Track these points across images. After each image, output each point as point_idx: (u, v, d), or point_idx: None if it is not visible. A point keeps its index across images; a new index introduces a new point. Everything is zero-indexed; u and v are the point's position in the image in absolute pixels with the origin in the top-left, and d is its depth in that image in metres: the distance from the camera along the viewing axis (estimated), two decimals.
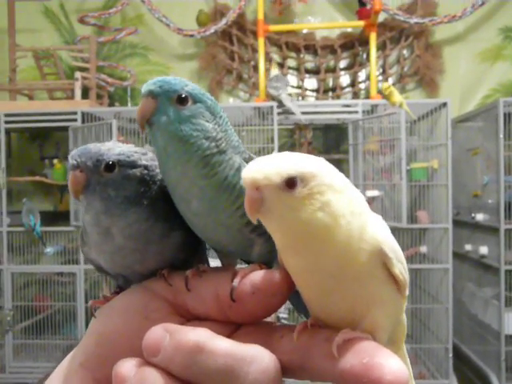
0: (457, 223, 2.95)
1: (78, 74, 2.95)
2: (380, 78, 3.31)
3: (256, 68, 3.26)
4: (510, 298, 2.68)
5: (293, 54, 3.41)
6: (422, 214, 2.81)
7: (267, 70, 3.19)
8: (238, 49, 3.36)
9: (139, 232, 0.48)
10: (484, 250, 2.75)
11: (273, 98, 3.21)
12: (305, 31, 3.38)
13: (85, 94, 3.06)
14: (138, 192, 0.48)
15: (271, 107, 2.83)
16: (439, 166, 2.74)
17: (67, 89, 3.09)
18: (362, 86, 3.39)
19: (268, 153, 2.44)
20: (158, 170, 0.50)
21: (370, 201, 2.75)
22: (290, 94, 2.85)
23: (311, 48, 3.37)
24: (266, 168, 0.38)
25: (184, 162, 0.46)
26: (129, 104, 3.34)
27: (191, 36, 3.18)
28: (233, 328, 0.44)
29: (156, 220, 0.49)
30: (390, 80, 3.34)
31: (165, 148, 0.47)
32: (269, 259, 0.49)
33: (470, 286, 2.97)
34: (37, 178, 3.03)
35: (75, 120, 2.81)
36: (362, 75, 3.39)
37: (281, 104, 2.81)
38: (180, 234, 0.51)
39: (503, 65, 3.30)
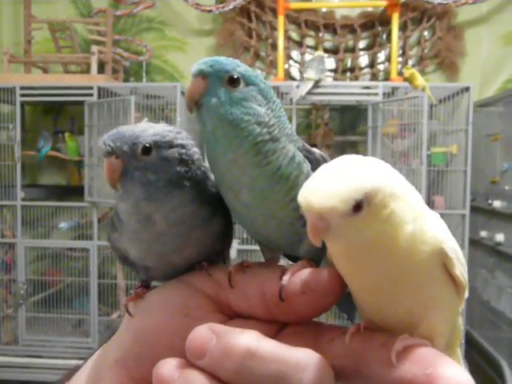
0: (473, 209, 2.91)
1: (94, 48, 2.91)
2: (400, 59, 3.25)
3: (274, 46, 3.20)
4: None
5: (311, 33, 3.34)
6: (438, 200, 2.78)
7: (285, 48, 3.14)
8: (256, 26, 3.30)
9: (184, 216, 0.46)
10: (500, 237, 2.73)
11: (290, 77, 3.17)
12: (324, 10, 3.31)
13: (100, 68, 3.02)
14: (179, 173, 0.45)
15: (291, 86, 2.78)
16: (458, 152, 2.70)
17: (82, 62, 3.05)
18: (381, 67, 3.32)
19: None
20: (194, 149, 0.48)
21: None
22: (319, 80, 2.76)
23: (330, 27, 3.30)
24: (331, 195, 0.35)
25: (234, 149, 0.44)
26: (144, 79, 3.30)
27: (209, 11, 3.13)
28: (278, 327, 0.42)
29: (201, 203, 0.47)
30: (410, 62, 3.27)
31: (213, 132, 0.44)
32: (317, 256, 0.47)
33: (483, 272, 2.96)
34: (50, 152, 3.01)
35: (91, 95, 2.77)
36: (381, 56, 3.32)
37: (315, 86, 2.75)
38: (221, 221, 0.49)
39: None
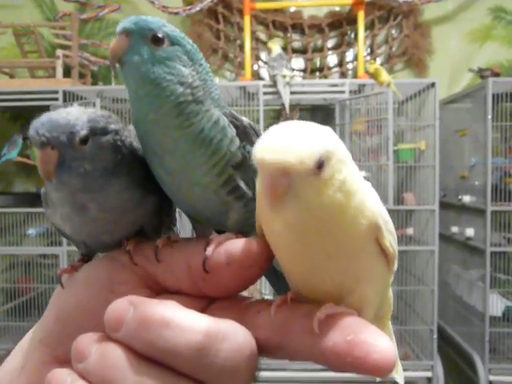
0: (444, 205, 2.93)
1: (59, 52, 2.88)
2: (368, 58, 3.26)
3: (242, 47, 3.20)
4: (495, 280, 2.68)
5: (280, 33, 3.34)
6: (408, 196, 2.79)
7: (253, 49, 3.14)
8: (223, 27, 3.29)
9: (118, 203, 0.44)
10: (470, 231, 2.74)
11: (260, 78, 3.17)
12: (292, 10, 3.32)
13: (67, 72, 2.99)
14: (115, 160, 0.44)
15: (257, 86, 2.77)
16: (427, 148, 2.72)
17: (49, 67, 3.01)
18: (350, 66, 3.33)
19: None
20: (126, 133, 0.46)
21: None
22: (284, 76, 2.77)
23: (298, 27, 3.31)
24: (297, 149, 0.33)
25: (156, 108, 0.43)
26: (112, 83, 3.27)
27: (176, 14, 3.11)
28: (206, 302, 0.41)
29: (135, 188, 0.45)
30: (379, 60, 3.29)
31: (136, 91, 0.43)
32: (246, 229, 0.46)
33: (455, 268, 2.97)
34: (18, 158, 2.97)
35: (56, 99, 2.74)
36: (349, 55, 3.34)
37: (274, 84, 2.76)
38: (154, 199, 0.47)
39: (492, 45, 3.26)
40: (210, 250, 0.40)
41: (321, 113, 3.25)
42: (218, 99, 0.47)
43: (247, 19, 3.00)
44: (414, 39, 3.23)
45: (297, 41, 3.35)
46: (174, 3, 3.18)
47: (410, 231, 2.82)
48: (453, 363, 2.84)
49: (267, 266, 0.40)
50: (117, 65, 0.44)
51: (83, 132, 0.42)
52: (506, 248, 2.64)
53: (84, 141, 0.42)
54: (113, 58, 0.44)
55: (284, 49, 3.33)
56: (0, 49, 3.21)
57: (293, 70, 3.30)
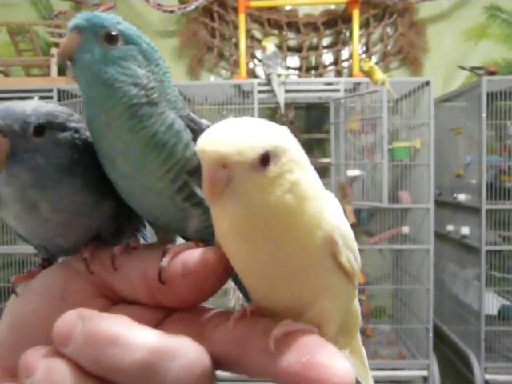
0: (439, 203, 2.93)
1: (53, 50, 2.86)
2: (363, 56, 3.26)
3: (237, 45, 3.19)
4: (491, 279, 2.67)
5: (275, 32, 3.33)
6: (403, 195, 2.79)
7: (248, 48, 3.13)
8: (219, 26, 3.28)
9: (70, 205, 0.43)
10: (465, 230, 2.73)
11: (255, 76, 3.16)
12: (287, 8, 3.31)
13: (63, 70, 2.98)
14: (71, 159, 0.42)
15: (252, 85, 2.77)
16: (422, 146, 2.71)
17: (43, 65, 3.00)
18: (346, 64, 3.33)
19: None
20: (87, 133, 0.44)
21: (352, 180, 2.72)
22: (279, 75, 2.77)
23: (294, 25, 3.30)
24: (238, 141, 0.31)
25: (107, 110, 0.41)
26: None
27: (171, 12, 3.10)
28: (164, 313, 0.39)
29: (90, 190, 0.44)
30: (374, 58, 3.29)
31: (87, 92, 0.41)
32: (207, 237, 0.44)
33: (451, 266, 2.97)
34: None
35: (51, 97, 2.73)
36: (345, 53, 3.33)
37: (269, 83, 2.75)
38: (110, 203, 0.46)
39: (487, 43, 3.25)
40: (165, 260, 0.38)
41: (316, 111, 3.25)
42: (176, 101, 0.45)
43: (242, 17, 3.00)
44: (409, 37, 3.22)
45: (292, 39, 3.34)
46: (169, 1, 3.17)
47: (405, 230, 2.82)
48: (449, 362, 2.83)
49: (225, 276, 0.38)
50: (68, 63, 0.42)
51: (38, 123, 0.40)
52: (501, 246, 2.64)
53: (38, 132, 0.41)
54: (62, 56, 0.42)
55: (279, 47, 3.33)
56: None
57: (288, 68, 3.30)
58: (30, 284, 0.42)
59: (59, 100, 2.74)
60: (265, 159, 0.32)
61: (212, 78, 3.40)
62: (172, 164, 0.43)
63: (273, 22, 3.29)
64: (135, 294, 0.39)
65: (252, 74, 3.30)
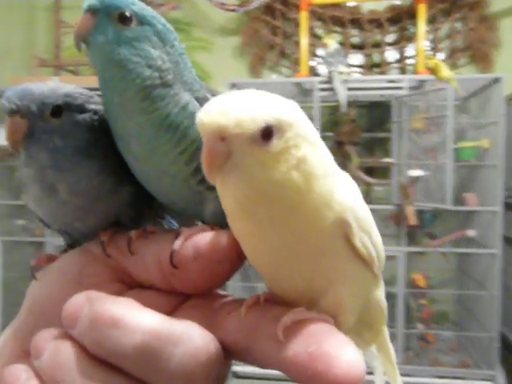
0: (509, 206, 2.79)
1: None
2: (430, 53, 3.15)
3: (299, 43, 3.16)
4: None
5: (338, 29, 3.28)
6: (470, 196, 2.67)
7: (310, 45, 3.10)
8: (281, 23, 3.27)
9: (88, 188, 0.42)
10: None
11: (316, 74, 3.13)
12: (350, 4, 3.25)
13: None
14: (89, 142, 0.42)
15: (313, 83, 2.73)
16: (490, 146, 2.59)
17: None
18: (410, 61, 3.23)
19: None
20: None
21: (414, 181, 2.64)
22: (341, 73, 2.72)
23: (357, 22, 3.24)
24: (237, 112, 0.30)
25: (121, 92, 0.40)
26: None
27: (233, 11, 3.12)
28: (179, 299, 0.38)
29: (108, 174, 0.43)
30: (441, 55, 3.17)
31: (102, 73, 0.41)
32: (224, 221, 0.43)
33: None
34: None
35: None
36: (410, 50, 3.23)
37: (330, 80, 2.71)
38: (129, 189, 0.45)
39: None
40: (177, 243, 0.37)
41: (379, 109, 3.17)
42: (192, 83, 0.44)
43: (304, 15, 2.97)
44: (479, 33, 3.09)
45: (355, 36, 3.28)
46: (232, 0, 3.18)
47: (470, 233, 2.70)
48: None
49: (239, 261, 0.36)
50: (83, 45, 0.42)
51: (56, 104, 0.40)
52: None
53: (56, 113, 0.40)
54: (77, 37, 0.41)
55: (342, 44, 3.27)
56: (66, 48, 3.32)
57: (350, 66, 3.24)
58: (48, 268, 0.42)
59: None
60: (267, 133, 0.30)
61: (273, 76, 3.39)
62: (186, 146, 0.42)
63: (335, 18, 3.24)
64: (150, 278, 0.39)
65: (313, 71, 3.26)
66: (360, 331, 0.41)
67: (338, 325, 0.33)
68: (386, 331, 0.43)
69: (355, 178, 3.03)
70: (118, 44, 0.40)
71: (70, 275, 0.40)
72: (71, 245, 0.48)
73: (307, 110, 2.80)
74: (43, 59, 3.10)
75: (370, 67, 3.26)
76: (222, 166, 0.30)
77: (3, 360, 0.39)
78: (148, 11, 0.42)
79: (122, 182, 0.45)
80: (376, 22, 3.22)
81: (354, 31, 3.28)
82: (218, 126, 0.29)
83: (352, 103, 3.02)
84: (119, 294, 0.38)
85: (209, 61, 3.40)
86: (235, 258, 0.36)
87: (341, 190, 0.34)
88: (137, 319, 0.32)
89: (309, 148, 0.32)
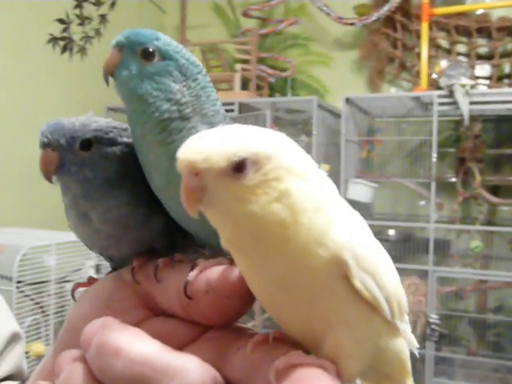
0: None
1: (238, 66, 3.05)
2: None
3: (420, 55, 3.05)
4: None
5: (463, 39, 3.11)
6: None
7: (432, 57, 2.97)
8: (401, 36, 3.17)
9: (118, 217, 0.44)
10: None
11: (439, 87, 2.99)
12: (478, 12, 3.07)
13: (245, 85, 3.15)
14: (119, 173, 0.44)
15: (432, 96, 2.62)
16: None
17: (229, 80, 3.21)
18: None
19: (427, 147, 2.24)
20: None
21: None
22: (463, 85, 2.59)
23: (485, 31, 3.04)
24: (207, 147, 0.30)
25: (142, 124, 0.42)
26: (289, 95, 3.36)
27: (351, 24, 3.09)
28: (200, 330, 0.38)
29: (137, 205, 0.45)
30: None
31: (127, 106, 0.43)
32: None
33: None
34: None
35: (232, 110, 2.90)
36: None
37: (451, 94, 2.58)
38: (161, 218, 0.46)
39: None
40: (192, 274, 0.37)
41: (508, 124, 2.95)
42: (213, 115, 0.44)
43: (425, 26, 2.86)
44: None
45: (482, 46, 3.09)
46: (349, 14, 3.15)
47: None
48: None
49: (249, 297, 0.36)
50: (111, 79, 0.44)
51: (85, 138, 0.42)
52: None
53: (85, 146, 0.42)
54: (104, 71, 0.44)
55: (467, 55, 3.11)
56: None
57: (476, 77, 3.06)
58: (86, 290, 0.45)
59: (240, 113, 2.90)
60: (240, 166, 0.30)
61: (393, 89, 3.30)
62: None
63: (461, 28, 3.08)
64: (172, 307, 0.39)
65: (436, 84, 3.12)
66: (379, 382, 0.39)
67: (340, 371, 0.32)
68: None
69: (478, 196, 2.85)
70: (140, 79, 0.42)
71: (101, 299, 0.42)
72: (115, 268, 0.50)
73: (426, 124, 2.69)
74: None
75: (499, 78, 3.05)
76: (200, 200, 0.31)
77: (42, 375, 0.42)
78: (172, 46, 0.43)
79: (154, 212, 0.46)
80: (507, 30, 3.00)
81: (482, 40, 3.09)
82: (188, 161, 0.30)
83: (476, 117, 2.85)
84: (144, 319, 0.39)
85: (327, 75, 3.40)
86: (245, 294, 0.35)
87: (338, 226, 0.32)
88: (138, 350, 0.32)
89: (294, 181, 0.31)
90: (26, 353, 2.18)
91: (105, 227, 0.44)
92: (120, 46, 0.43)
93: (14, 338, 0.64)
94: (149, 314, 0.40)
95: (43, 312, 2.49)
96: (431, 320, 2.54)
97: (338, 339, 0.32)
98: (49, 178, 0.43)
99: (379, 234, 3.02)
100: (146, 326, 0.37)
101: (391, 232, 2.99)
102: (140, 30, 0.43)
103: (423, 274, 2.66)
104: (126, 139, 0.45)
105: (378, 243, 0.36)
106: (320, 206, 0.31)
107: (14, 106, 2.65)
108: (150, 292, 0.41)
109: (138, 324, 0.38)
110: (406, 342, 0.38)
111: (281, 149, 0.31)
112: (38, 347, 2.24)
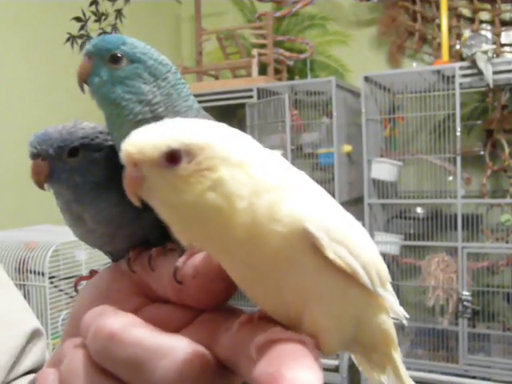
0: None
1: (254, 51, 3.03)
2: None
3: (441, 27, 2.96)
4: None
5: (486, 6, 3.01)
6: None
7: (454, 28, 2.88)
8: (420, 7, 3.09)
9: (110, 217, 0.46)
10: None
11: (462, 59, 2.91)
12: None
13: (263, 70, 3.13)
14: (107, 176, 0.45)
15: (454, 69, 2.54)
16: None
17: (247, 66, 3.19)
18: None
19: (452, 121, 2.18)
20: None
21: None
22: (485, 52, 2.51)
23: None
24: (142, 139, 0.32)
25: (118, 127, 0.43)
26: (308, 76, 3.32)
27: (368, 0, 3.02)
28: (194, 313, 0.40)
29: (127, 204, 0.45)
30: None
31: (102, 111, 0.45)
32: None
33: None
34: None
35: (251, 97, 2.90)
36: None
37: (473, 65, 2.51)
38: (151, 214, 0.47)
39: None
40: (180, 260, 0.39)
41: None
42: (186, 111, 0.45)
43: None
44: None
45: (507, 11, 2.97)
46: None
47: None
48: None
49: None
50: (85, 86, 0.46)
51: (72, 146, 0.44)
52: None
53: (73, 154, 0.44)
54: (78, 80, 0.45)
55: (491, 23, 3.00)
56: (207, 53, 3.49)
57: (502, 45, 2.96)
58: (88, 282, 0.48)
59: (259, 98, 2.89)
60: (173, 157, 0.31)
61: (414, 64, 3.22)
62: None
63: None
64: (166, 293, 0.41)
65: (459, 56, 3.03)
66: (367, 354, 0.39)
67: (320, 345, 0.32)
68: (397, 356, 0.39)
69: (507, 169, 2.76)
70: (112, 83, 0.43)
71: (100, 289, 0.44)
72: (114, 261, 0.52)
73: (450, 98, 2.62)
74: (186, 67, 3.30)
75: None
76: (140, 189, 0.33)
77: (50, 363, 0.44)
78: (138, 48, 0.44)
79: (144, 209, 0.47)
80: None
81: (506, 6, 2.98)
82: (126, 153, 0.32)
83: (503, 87, 2.76)
84: (141, 306, 0.41)
85: (346, 54, 3.35)
86: (228, 277, 0.36)
87: (292, 202, 0.32)
88: (130, 333, 0.34)
89: (229, 169, 0.31)
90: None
91: (98, 227, 0.46)
92: (89, 54, 0.45)
93: (35, 335, 0.67)
94: (145, 302, 0.42)
95: None
96: (463, 297, 2.50)
97: (313, 315, 0.33)
98: (41, 187, 0.45)
99: (406, 212, 2.97)
100: (142, 313, 0.40)
101: (419, 210, 2.95)
102: (107, 37, 0.45)
103: (453, 251, 2.61)
104: (111, 143, 0.46)
105: (349, 216, 0.36)
106: (259, 189, 0.32)
107: (38, 106, 2.70)
108: (145, 280, 0.43)
109: (135, 311, 0.39)
110: (388, 312, 0.38)
111: (216, 139, 0.32)
112: None
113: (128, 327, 0.35)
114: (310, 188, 0.35)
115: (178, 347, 0.34)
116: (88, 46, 0.45)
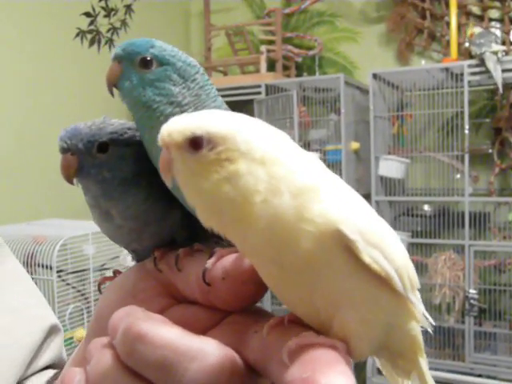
0: None
1: (262, 48, 3.03)
2: None
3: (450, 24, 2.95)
4: None
5: (496, 3, 2.99)
6: None
7: (463, 26, 2.87)
8: (429, 5, 3.08)
9: (138, 213, 0.46)
10: None
11: (471, 57, 2.90)
12: None
13: (271, 66, 3.13)
14: (135, 172, 0.46)
15: (462, 67, 2.54)
16: None
17: (255, 63, 3.20)
18: None
19: (461, 119, 2.17)
20: None
21: None
22: (495, 53, 2.50)
23: None
24: (173, 125, 0.34)
25: (150, 129, 0.44)
26: (317, 73, 3.32)
27: None
28: (221, 315, 0.40)
29: (155, 201, 0.47)
30: None
31: (133, 114, 0.45)
32: None
33: None
34: None
35: (259, 93, 2.90)
36: None
37: (482, 63, 2.50)
38: (180, 212, 0.47)
39: None
40: (210, 262, 0.39)
41: None
42: None
43: None
44: None
45: None
46: None
47: None
48: None
49: (263, 282, 0.36)
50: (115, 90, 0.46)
51: (101, 141, 0.44)
52: None
53: (103, 149, 0.44)
54: (107, 85, 0.46)
55: (500, 20, 2.99)
56: (215, 49, 3.49)
57: (511, 43, 2.94)
58: (112, 282, 0.47)
59: (267, 95, 2.89)
60: (196, 143, 0.33)
61: (423, 62, 3.21)
62: None
63: None
64: (193, 294, 0.41)
65: (468, 53, 3.02)
66: (393, 359, 0.39)
67: (351, 351, 0.32)
68: (423, 363, 0.39)
69: None
70: (142, 87, 0.44)
71: (126, 289, 0.44)
72: (138, 261, 0.51)
73: (458, 96, 2.61)
74: None
75: None
76: (170, 170, 0.34)
77: (75, 362, 0.44)
78: (167, 51, 0.45)
79: (172, 206, 0.47)
80: None
81: None
82: (160, 136, 0.34)
83: (510, 85, 2.75)
84: (168, 307, 0.41)
85: (355, 51, 3.34)
86: (258, 279, 0.36)
87: (322, 203, 0.32)
88: (160, 335, 0.34)
89: (247, 164, 0.32)
90: (70, 338, 2.26)
91: (126, 223, 0.47)
92: (119, 59, 0.45)
93: (52, 330, 0.67)
94: (171, 302, 0.42)
95: (85, 299, 2.57)
96: (470, 295, 2.50)
97: (344, 320, 0.32)
98: (70, 181, 0.46)
99: (414, 209, 2.97)
100: (169, 313, 0.39)
101: (426, 207, 2.94)
102: (135, 41, 0.45)
103: (460, 249, 2.61)
104: (139, 139, 0.46)
105: (380, 218, 0.36)
106: (279, 189, 0.32)
107: (48, 101, 2.72)
108: (171, 280, 0.43)
109: (161, 311, 0.39)
110: (417, 319, 0.37)
111: (240, 133, 0.33)
112: (81, 333, 2.31)
113: (157, 328, 0.35)
114: (344, 190, 0.34)
115: (208, 350, 0.33)
116: (117, 51, 0.45)
